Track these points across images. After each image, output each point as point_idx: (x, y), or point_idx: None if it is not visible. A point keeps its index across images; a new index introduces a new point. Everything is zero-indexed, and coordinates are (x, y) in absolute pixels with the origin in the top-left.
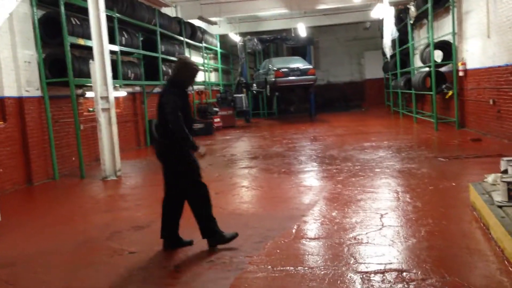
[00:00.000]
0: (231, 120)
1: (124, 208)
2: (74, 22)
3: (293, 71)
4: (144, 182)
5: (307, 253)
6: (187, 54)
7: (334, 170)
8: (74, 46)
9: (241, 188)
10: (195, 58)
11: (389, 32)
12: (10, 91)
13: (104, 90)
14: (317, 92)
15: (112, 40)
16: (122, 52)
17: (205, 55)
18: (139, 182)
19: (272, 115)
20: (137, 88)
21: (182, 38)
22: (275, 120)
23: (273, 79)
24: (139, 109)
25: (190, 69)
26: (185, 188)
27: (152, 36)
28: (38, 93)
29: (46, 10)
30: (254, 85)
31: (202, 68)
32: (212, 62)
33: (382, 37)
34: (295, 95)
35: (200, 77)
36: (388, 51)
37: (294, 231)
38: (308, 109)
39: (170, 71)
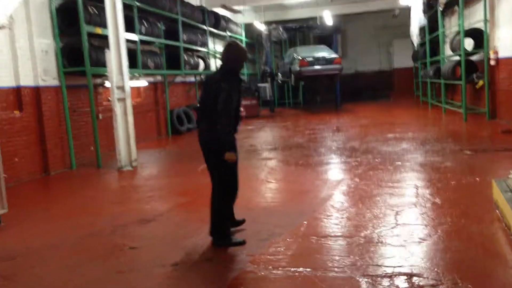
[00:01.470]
0: (255, 110)
1: (135, 200)
2: (91, 11)
3: (318, 61)
4: (159, 173)
5: (312, 253)
6: (210, 43)
7: (353, 163)
8: (92, 35)
9: (255, 181)
10: (219, 47)
11: (417, 19)
12: (26, 81)
13: (120, 80)
14: (344, 81)
15: (131, 29)
16: (143, 42)
17: None
18: (154, 173)
19: (297, 105)
20: (159, 78)
21: (205, 27)
22: (300, 110)
23: (298, 69)
24: (160, 98)
25: (241, 51)
26: (219, 179)
27: (174, 25)
28: (55, 82)
29: None
30: (279, 74)
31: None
32: None
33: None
34: (321, 85)
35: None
36: (416, 40)
37: (302, 228)
38: (334, 99)
39: (192, 60)
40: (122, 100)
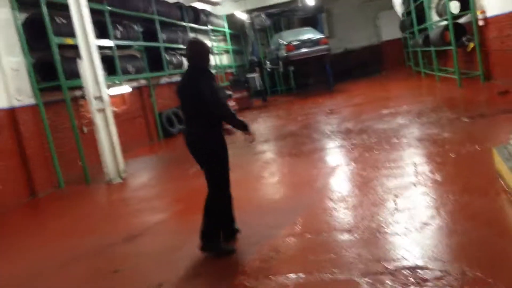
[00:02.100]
0: (247, 101)
1: (123, 214)
2: (59, 22)
3: (304, 43)
4: (150, 181)
5: (306, 254)
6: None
7: (348, 146)
8: (64, 46)
9: (248, 178)
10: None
11: None
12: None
13: (96, 90)
14: (334, 61)
15: (105, 35)
16: (120, 46)
17: (213, 38)
18: (144, 182)
19: (290, 91)
20: (143, 82)
21: (184, 24)
22: (293, 95)
23: (285, 54)
24: (147, 102)
25: (204, 46)
26: (213, 180)
27: (152, 25)
28: (31, 101)
29: (30, 13)
30: (268, 62)
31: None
32: (222, 44)
33: None
34: (312, 67)
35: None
36: (399, 9)
37: (296, 227)
38: (325, 80)
39: (174, 59)
40: (102, 110)
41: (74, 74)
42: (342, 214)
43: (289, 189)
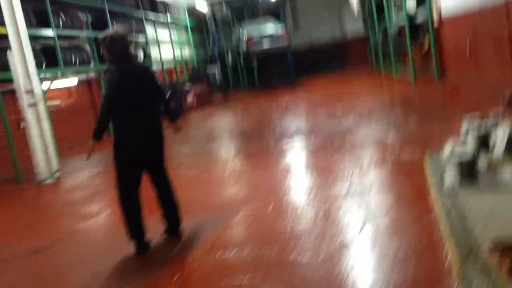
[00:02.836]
0: (206, 97)
1: (44, 219)
2: None
3: (265, 38)
4: (86, 182)
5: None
6: (150, 30)
7: (287, 148)
8: None
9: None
10: (163, 33)
11: None
12: None
13: (27, 83)
14: (298, 54)
15: (46, 24)
16: (63, 37)
17: (173, 29)
18: (79, 184)
19: (253, 86)
20: (92, 75)
21: (139, 14)
22: (255, 91)
23: (245, 49)
24: (96, 95)
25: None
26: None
27: (103, 15)
28: None
29: None
30: (229, 56)
31: (169, 44)
32: (184, 36)
33: None
34: (275, 61)
35: (168, 54)
36: (355, 8)
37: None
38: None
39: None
40: (34, 105)
41: (7, 66)
42: (255, 231)
43: (210, 202)
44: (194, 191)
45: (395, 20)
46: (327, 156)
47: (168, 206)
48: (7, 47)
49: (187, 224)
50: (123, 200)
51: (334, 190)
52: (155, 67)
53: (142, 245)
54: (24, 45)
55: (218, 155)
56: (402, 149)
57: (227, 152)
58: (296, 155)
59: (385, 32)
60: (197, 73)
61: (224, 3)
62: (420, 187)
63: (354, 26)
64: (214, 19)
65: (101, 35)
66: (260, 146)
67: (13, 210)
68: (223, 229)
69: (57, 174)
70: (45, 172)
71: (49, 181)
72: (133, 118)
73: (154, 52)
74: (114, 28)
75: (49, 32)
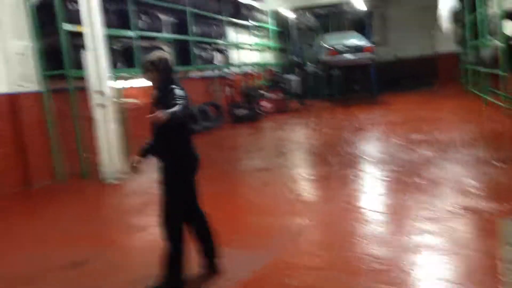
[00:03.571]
0: (282, 104)
1: (88, 226)
2: (71, 7)
3: (347, 49)
4: (143, 188)
5: None
6: (232, 33)
7: (354, 177)
8: (77, 34)
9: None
10: (244, 37)
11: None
12: None
13: (98, 84)
14: (383, 69)
15: (128, 25)
16: (145, 37)
17: (256, 33)
18: (140, 188)
19: (331, 97)
20: None
21: (221, 17)
22: (333, 102)
23: (325, 58)
24: None
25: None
26: None
27: (186, 16)
28: (35, 87)
29: None
30: (308, 64)
31: (250, 48)
32: (265, 41)
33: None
34: (357, 74)
35: (248, 57)
36: (444, 25)
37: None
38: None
39: (203, 54)
40: (103, 105)
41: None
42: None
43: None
44: (246, 215)
45: (491, 41)
46: (397, 194)
47: (205, 238)
48: (84, 45)
49: (225, 257)
50: (175, 235)
51: (398, 242)
52: (233, 71)
53: (181, 280)
54: (99, 46)
55: (280, 174)
56: (486, 199)
57: (290, 172)
58: (362, 188)
59: (478, 52)
60: (275, 79)
61: (308, 11)
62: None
63: (445, 45)
64: (298, 26)
65: (149, 58)
66: (326, 170)
67: (67, 208)
68: (262, 269)
69: (120, 175)
70: (108, 171)
71: (111, 181)
72: (190, 138)
73: (233, 56)
74: (156, 52)
75: (129, 33)
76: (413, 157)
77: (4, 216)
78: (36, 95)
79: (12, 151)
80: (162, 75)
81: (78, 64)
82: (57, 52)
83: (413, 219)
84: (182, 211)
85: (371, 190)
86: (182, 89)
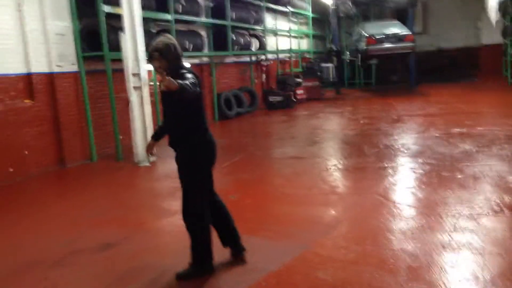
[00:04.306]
0: (317, 92)
1: (120, 209)
2: None
3: (387, 38)
4: (175, 172)
5: None
6: (269, 20)
7: (389, 170)
8: (115, 16)
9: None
10: (282, 23)
11: None
12: (38, 67)
13: (135, 66)
14: (425, 59)
15: (166, 8)
16: (182, 21)
17: (294, 20)
18: (171, 171)
19: (369, 85)
20: (205, 59)
21: (260, 3)
22: (370, 91)
23: (364, 47)
24: (207, 81)
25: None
26: None
27: (223, 1)
28: (73, 68)
29: None
30: (347, 53)
31: (288, 34)
32: (304, 28)
33: None
34: (397, 63)
35: (285, 45)
36: (494, 16)
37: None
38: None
39: (242, 40)
40: (139, 88)
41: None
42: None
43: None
44: (276, 204)
45: None
46: (436, 189)
47: (227, 226)
48: (121, 27)
49: (254, 247)
50: (201, 219)
51: (436, 240)
52: (270, 57)
53: (211, 268)
54: (136, 30)
55: (313, 164)
56: None
57: (323, 162)
58: (399, 182)
59: None
60: (311, 67)
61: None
62: None
63: (490, 36)
64: (337, 14)
65: (156, 45)
66: (362, 162)
67: (99, 189)
68: (293, 261)
69: (154, 158)
70: (142, 154)
71: (144, 163)
72: (206, 123)
73: (270, 42)
74: (161, 37)
75: (167, 16)
76: (454, 151)
77: (38, 196)
78: (74, 75)
79: (49, 130)
80: (171, 63)
81: (116, 46)
82: (95, 33)
83: (452, 215)
84: (205, 194)
85: (408, 184)
86: (192, 72)
